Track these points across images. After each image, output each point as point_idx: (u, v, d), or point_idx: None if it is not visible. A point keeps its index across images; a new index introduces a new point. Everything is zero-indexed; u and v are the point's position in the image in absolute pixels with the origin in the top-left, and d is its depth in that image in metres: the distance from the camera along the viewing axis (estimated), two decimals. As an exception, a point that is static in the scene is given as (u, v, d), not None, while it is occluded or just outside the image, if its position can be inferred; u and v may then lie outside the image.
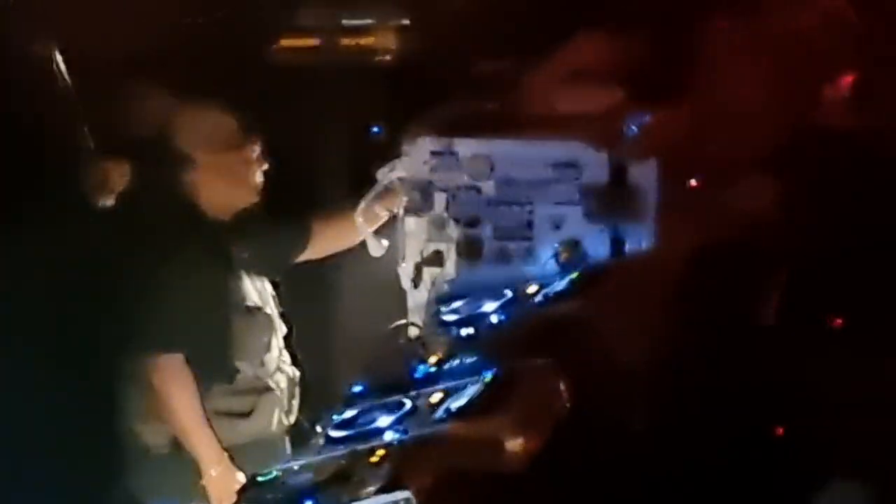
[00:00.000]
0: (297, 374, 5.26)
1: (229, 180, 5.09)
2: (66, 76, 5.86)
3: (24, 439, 5.35)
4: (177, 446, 5.03)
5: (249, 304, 5.12)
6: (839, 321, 5.32)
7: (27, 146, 5.97)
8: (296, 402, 5.26)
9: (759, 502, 4.36)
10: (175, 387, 4.96)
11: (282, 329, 5.24)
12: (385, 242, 5.03)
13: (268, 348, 5.15)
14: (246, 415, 5.09)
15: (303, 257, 5.36)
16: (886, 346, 5.01)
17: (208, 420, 5.00)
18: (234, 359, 5.05)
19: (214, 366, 5.02)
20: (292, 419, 5.24)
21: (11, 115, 5.89)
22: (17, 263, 5.64)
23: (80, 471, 5.10)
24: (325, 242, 5.36)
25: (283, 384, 5.20)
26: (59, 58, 5.86)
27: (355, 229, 5.07)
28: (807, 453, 4.59)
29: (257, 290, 5.18)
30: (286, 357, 5.23)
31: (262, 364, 5.12)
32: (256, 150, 5.12)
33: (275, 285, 5.32)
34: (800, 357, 5.15)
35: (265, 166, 5.15)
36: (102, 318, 5.09)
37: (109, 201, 5.56)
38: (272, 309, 5.22)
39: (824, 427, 4.79)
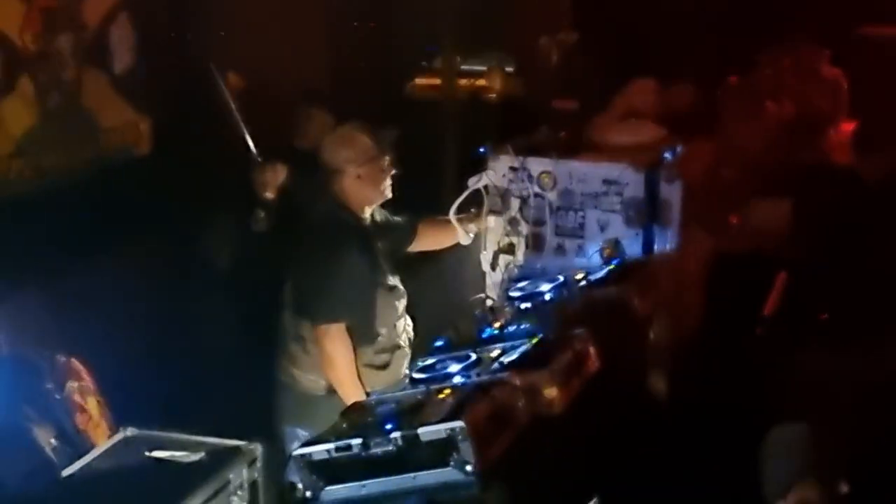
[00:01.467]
0: (413, 334, 5.27)
1: (369, 185, 5.10)
2: (231, 96, 5.94)
3: (216, 374, 5.47)
4: (330, 391, 5.06)
5: (388, 282, 5.14)
6: (825, 316, 5.25)
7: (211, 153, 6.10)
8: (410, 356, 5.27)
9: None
10: (339, 350, 4.96)
11: (405, 297, 5.26)
12: (472, 234, 5.04)
13: (398, 316, 5.17)
14: (384, 367, 5.11)
15: (412, 249, 5.37)
16: (864, 336, 4.94)
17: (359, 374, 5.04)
18: (376, 325, 5.08)
19: (364, 331, 5.01)
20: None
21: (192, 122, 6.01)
22: (224, 241, 5.77)
23: (253, 405, 5.14)
24: (428, 239, 5.37)
25: (407, 343, 5.21)
26: (221, 81, 5.93)
27: (451, 233, 5.08)
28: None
29: (390, 270, 5.20)
30: (409, 321, 5.25)
31: (395, 328, 5.14)
32: (388, 160, 5.13)
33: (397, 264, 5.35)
34: (791, 342, 5.09)
35: (393, 172, 5.16)
36: (284, 290, 5.14)
37: (272, 195, 5.63)
38: (400, 283, 5.25)
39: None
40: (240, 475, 3.97)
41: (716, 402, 4.59)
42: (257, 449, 4.46)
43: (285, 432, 5.04)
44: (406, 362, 5.10)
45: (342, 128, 5.23)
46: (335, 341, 4.94)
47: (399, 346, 5.12)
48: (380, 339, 5.06)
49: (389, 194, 5.14)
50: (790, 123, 5.35)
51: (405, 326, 5.18)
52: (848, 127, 5.82)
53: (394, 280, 5.16)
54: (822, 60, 5.77)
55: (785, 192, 5.34)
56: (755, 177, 5.15)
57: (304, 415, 5.06)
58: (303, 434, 4.87)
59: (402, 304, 5.17)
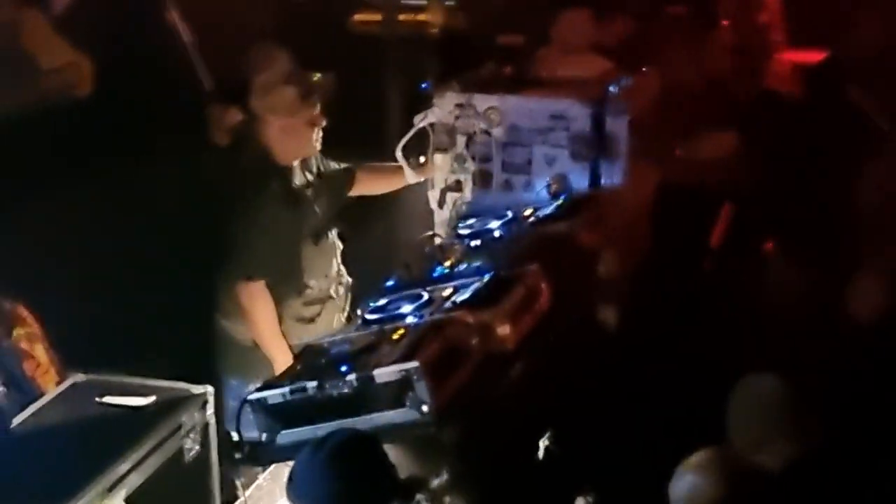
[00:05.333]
0: (350, 280, 5.21)
1: (292, 137, 4.99)
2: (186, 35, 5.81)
3: (147, 320, 5.40)
4: (256, 343, 5.01)
5: (317, 233, 5.06)
6: (770, 245, 5.27)
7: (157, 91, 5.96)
8: (349, 303, 5.21)
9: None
10: (257, 306, 4.88)
11: (339, 247, 5.19)
12: (419, 173, 4.99)
13: (329, 266, 5.10)
14: (314, 319, 5.05)
15: (355, 193, 5.30)
16: (809, 264, 4.96)
17: (281, 331, 4.95)
18: (304, 277, 5.01)
19: (290, 285, 4.93)
20: (346, 316, 5.20)
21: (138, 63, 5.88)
22: (152, 188, 5.67)
23: (183, 354, 5.08)
24: (370, 184, 5.30)
25: (341, 291, 5.14)
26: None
27: (396, 175, 5.02)
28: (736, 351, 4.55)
29: (322, 220, 5.11)
30: (342, 269, 5.17)
31: (326, 278, 5.07)
32: (315, 112, 5.01)
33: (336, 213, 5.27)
34: (738, 272, 5.12)
35: (322, 124, 5.04)
36: (208, 242, 5.06)
37: (225, 141, 5.52)
38: (333, 233, 5.17)
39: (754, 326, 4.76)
40: (192, 418, 3.95)
41: (665, 335, 4.60)
42: (208, 392, 4.42)
43: (223, 382, 4.98)
44: (338, 313, 5.06)
45: (268, 73, 5.07)
46: (253, 298, 4.87)
47: (330, 297, 5.07)
48: (308, 291, 4.99)
49: (317, 146, 5.04)
50: (732, 52, 5.34)
51: (337, 276, 5.12)
52: (789, 55, 5.83)
53: (327, 230, 5.08)
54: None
55: (729, 122, 5.34)
56: (700, 108, 5.14)
57: (235, 365, 5.01)
58: (235, 384, 4.84)
59: (335, 255, 5.11)
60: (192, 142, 5.50)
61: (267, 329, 4.89)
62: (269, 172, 4.92)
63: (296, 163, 5.02)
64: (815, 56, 6.16)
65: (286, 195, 4.92)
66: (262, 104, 4.93)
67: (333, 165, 5.20)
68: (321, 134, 5.01)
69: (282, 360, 4.70)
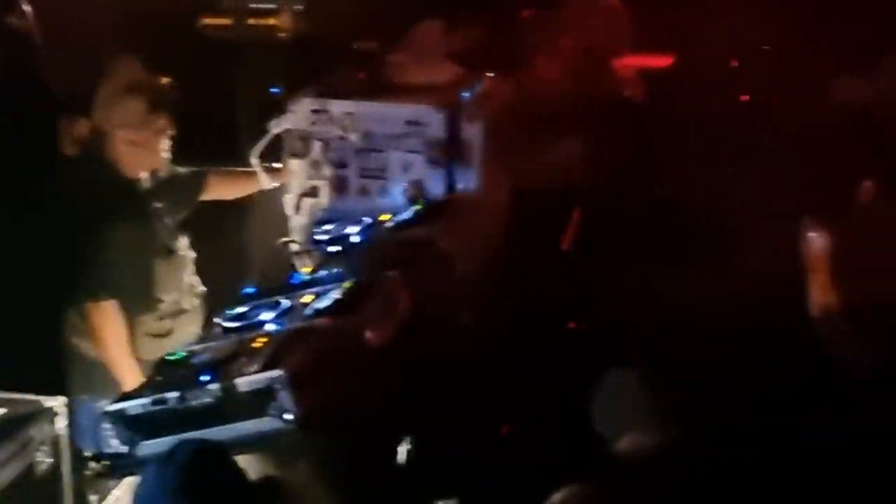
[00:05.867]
0: (204, 290, 5.15)
1: (141, 150, 4.92)
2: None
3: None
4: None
5: (168, 246, 4.98)
6: (621, 250, 5.36)
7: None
8: (203, 314, 5.15)
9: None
10: (106, 327, 4.81)
11: (191, 258, 5.12)
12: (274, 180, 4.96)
13: (182, 279, 5.04)
14: (167, 334, 4.98)
15: (206, 198, 5.23)
16: (658, 264, 5.06)
17: (131, 351, 4.87)
18: (156, 292, 4.93)
19: (141, 301, 4.88)
20: (202, 328, 5.13)
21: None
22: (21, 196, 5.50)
23: (32, 372, 4.97)
24: (222, 189, 5.24)
25: (196, 303, 5.09)
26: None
27: (250, 180, 4.97)
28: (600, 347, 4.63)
29: (173, 231, 5.04)
30: (196, 280, 5.11)
31: (178, 291, 5.00)
32: (163, 122, 4.94)
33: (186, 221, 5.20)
34: (591, 271, 5.19)
35: (170, 134, 4.97)
36: (56, 261, 4.95)
37: (74, 151, 5.39)
38: (185, 245, 5.10)
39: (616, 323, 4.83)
40: (42, 431, 3.88)
41: (523, 337, 4.66)
42: (60, 404, 4.34)
43: (74, 400, 4.88)
44: (193, 326, 5.01)
45: (113, 83, 4.99)
46: (102, 318, 4.81)
47: (183, 311, 5.01)
48: (161, 305, 4.94)
49: (166, 157, 4.98)
50: (583, 57, 5.42)
51: (190, 288, 5.06)
52: (634, 60, 5.94)
53: (178, 242, 5.02)
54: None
55: (578, 127, 5.42)
56: (551, 113, 5.21)
57: (85, 382, 4.93)
58: (86, 401, 4.76)
59: (186, 267, 5.05)
60: (43, 154, 5.37)
61: (116, 350, 4.82)
62: (115, 188, 4.84)
63: (144, 174, 4.94)
64: (660, 61, 6.31)
65: (134, 211, 4.85)
66: (108, 117, 4.85)
67: (182, 170, 5.13)
68: (170, 143, 4.94)
69: (130, 382, 4.60)
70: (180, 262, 5.03)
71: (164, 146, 4.94)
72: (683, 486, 3.31)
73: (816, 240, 4.04)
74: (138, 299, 4.87)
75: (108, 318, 4.80)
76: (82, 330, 4.91)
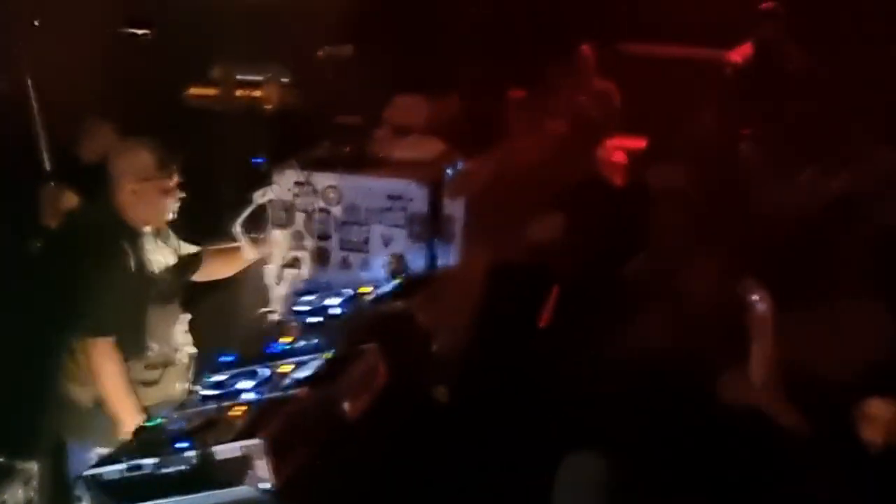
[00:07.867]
0: (195, 351, 5.16)
1: (144, 203, 4.97)
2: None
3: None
4: (98, 403, 4.90)
5: (164, 298, 5.01)
6: (598, 323, 5.39)
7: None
8: (192, 374, 5.16)
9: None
10: (105, 364, 4.82)
11: (186, 317, 5.14)
12: (258, 250, 4.98)
13: (174, 332, 5.05)
14: (154, 383, 4.98)
15: (199, 278, 5.27)
16: (628, 338, 5.08)
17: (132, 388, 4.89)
18: (147, 340, 4.94)
19: (132, 345, 4.89)
20: (189, 387, 5.13)
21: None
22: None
23: (23, 415, 4.96)
24: (215, 267, 5.26)
25: (185, 360, 5.09)
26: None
27: (237, 258, 5.01)
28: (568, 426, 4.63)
29: (169, 289, 5.07)
30: (188, 339, 5.13)
31: (169, 343, 5.02)
32: (172, 182, 4.99)
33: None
34: (566, 347, 5.21)
35: (180, 195, 5.03)
36: (54, 304, 4.96)
37: (55, 223, 5.43)
38: (179, 301, 5.13)
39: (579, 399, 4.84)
40: (15, 495, 3.86)
41: (498, 412, 4.67)
42: (33, 467, 4.33)
43: (67, 447, 4.89)
44: (180, 381, 5.01)
45: (130, 140, 5.09)
46: (101, 356, 4.81)
47: (172, 363, 5.02)
48: (150, 353, 4.94)
49: (171, 216, 5.02)
50: (567, 137, 5.50)
51: (182, 344, 5.07)
52: (618, 141, 6.02)
53: (172, 297, 5.05)
54: (594, 74, 5.93)
55: (559, 206, 5.47)
56: (533, 191, 5.26)
57: (77, 428, 4.93)
58: (79, 448, 4.76)
59: (177, 321, 5.07)
60: (26, 214, 5.41)
61: (116, 389, 4.81)
62: (121, 231, 4.89)
63: (147, 229, 4.98)
64: (637, 143, 6.40)
65: (135, 254, 4.89)
66: (117, 163, 4.93)
67: (186, 245, 5.17)
68: (177, 206, 4.99)
69: (130, 421, 4.59)
70: (172, 316, 5.05)
71: (169, 205, 4.98)
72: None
73: (759, 304, 4.07)
74: (131, 341, 4.88)
75: (106, 355, 4.81)
76: (76, 373, 4.91)
